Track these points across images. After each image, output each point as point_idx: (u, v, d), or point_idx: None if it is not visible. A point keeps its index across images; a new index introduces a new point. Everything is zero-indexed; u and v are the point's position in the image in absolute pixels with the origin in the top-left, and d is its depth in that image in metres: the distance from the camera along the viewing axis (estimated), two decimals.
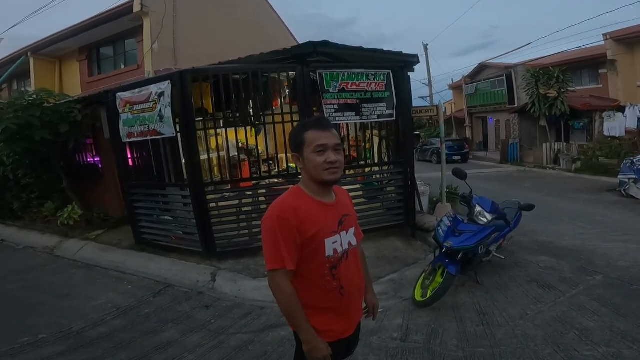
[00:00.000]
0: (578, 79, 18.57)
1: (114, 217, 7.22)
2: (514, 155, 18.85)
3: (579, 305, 3.68)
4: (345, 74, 5.13)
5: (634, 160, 9.22)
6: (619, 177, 9.53)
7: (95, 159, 7.86)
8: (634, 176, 8.88)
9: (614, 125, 14.74)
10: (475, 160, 21.18)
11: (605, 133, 15.05)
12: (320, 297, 1.68)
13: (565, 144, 16.48)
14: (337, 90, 5.10)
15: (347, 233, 1.74)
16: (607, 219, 7.15)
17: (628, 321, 3.32)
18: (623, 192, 9.20)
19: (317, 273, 1.65)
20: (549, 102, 16.08)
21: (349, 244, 1.74)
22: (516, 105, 20.52)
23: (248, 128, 6.04)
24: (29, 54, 12.47)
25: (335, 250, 1.66)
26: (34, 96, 6.99)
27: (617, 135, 14.54)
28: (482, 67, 24.73)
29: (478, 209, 4.28)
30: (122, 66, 11.52)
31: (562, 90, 15.92)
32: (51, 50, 12.40)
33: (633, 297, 3.79)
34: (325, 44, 4.81)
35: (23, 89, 12.77)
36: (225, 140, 5.60)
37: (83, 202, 7.40)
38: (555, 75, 15.79)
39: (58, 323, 3.78)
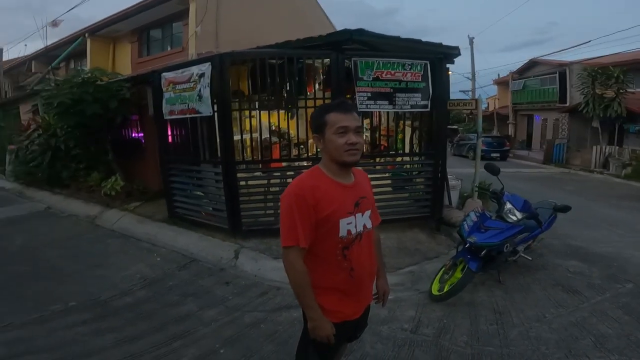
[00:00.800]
0: None
1: (152, 190, 7.58)
2: (559, 156, 17.90)
3: (601, 312, 3.55)
4: (381, 63, 5.09)
5: None
6: None
7: (139, 135, 8.28)
8: None
9: None
10: (515, 159, 20.31)
11: None
12: (331, 276, 1.72)
13: (617, 147, 15.45)
14: (371, 79, 5.08)
15: (362, 215, 1.75)
16: None
17: None
18: None
19: (329, 252, 1.69)
20: (604, 103, 15.09)
21: (364, 226, 1.76)
22: (568, 104, 19.41)
23: (282, 112, 6.15)
24: (86, 35, 13.15)
25: (349, 232, 1.69)
26: (89, 74, 7.46)
27: None
28: (532, 64, 23.51)
29: (508, 206, 4.16)
30: (169, 48, 11.95)
31: (621, 91, 14.88)
32: (106, 32, 13.01)
33: None
34: (360, 32, 4.79)
35: (79, 68, 13.58)
36: (259, 122, 5.74)
37: (125, 174, 7.85)
38: (615, 75, 14.76)
39: (89, 292, 3.97)
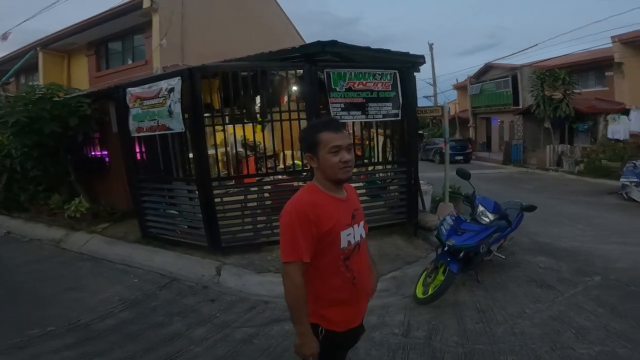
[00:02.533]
0: (584, 81, 18.53)
1: (120, 210, 7.30)
2: (517, 156, 18.86)
3: (576, 305, 3.76)
4: (352, 74, 5.20)
5: (637, 163, 9.26)
6: (621, 180, 9.56)
7: (103, 153, 7.96)
8: (636, 179, 8.91)
9: (618, 129, 14.72)
10: (477, 161, 21.20)
11: (609, 136, 15.04)
12: (336, 288, 1.75)
13: (568, 146, 16.47)
14: (344, 90, 5.18)
15: (358, 226, 1.82)
16: (608, 222, 7.22)
17: (624, 321, 3.40)
18: (624, 195, 9.25)
19: (333, 264, 1.73)
20: (553, 104, 16.08)
21: (360, 236, 1.83)
22: (521, 107, 20.50)
23: (252, 124, 6.13)
24: (38, 48, 12.58)
25: (349, 242, 1.75)
26: (45, 90, 7.10)
27: (621, 139, 14.52)
28: (487, 68, 24.69)
29: (480, 208, 4.36)
30: (130, 61, 11.62)
31: (568, 92, 15.91)
32: (60, 45, 12.50)
33: (629, 298, 3.88)
34: (333, 43, 4.88)
35: (31, 83, 12.90)
36: (233, 136, 5.69)
37: (89, 195, 7.50)
38: (561, 77, 15.77)
39: (66, 315, 3.82)
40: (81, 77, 12.52)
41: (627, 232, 6.40)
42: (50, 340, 3.38)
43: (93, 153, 8.11)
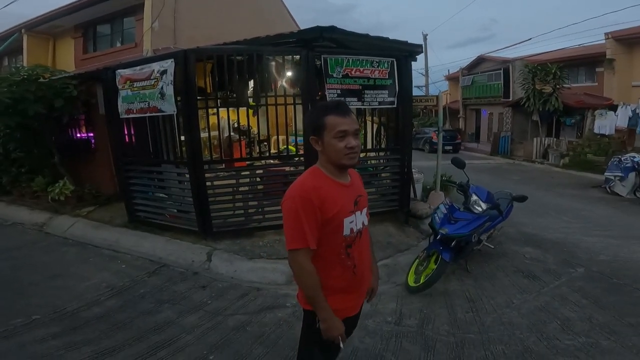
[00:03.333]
0: (574, 76, 18.71)
1: (105, 193, 7.18)
2: (505, 148, 19.05)
3: (561, 296, 3.84)
4: (350, 60, 5.14)
5: (622, 158, 9.43)
6: (605, 174, 9.74)
7: (89, 135, 7.77)
8: (620, 174, 9.09)
9: (605, 124, 14.93)
10: (466, 151, 21.36)
11: (596, 131, 15.27)
12: (336, 276, 1.73)
13: (555, 139, 16.71)
14: (340, 76, 5.12)
15: (361, 213, 1.79)
16: (591, 214, 7.37)
17: (607, 313, 3.48)
18: (608, 189, 9.45)
19: (334, 252, 1.71)
20: (543, 98, 16.24)
21: (363, 223, 1.79)
22: (511, 99, 20.66)
23: (246, 109, 6.04)
24: (23, 30, 12.23)
25: (351, 230, 1.71)
26: (30, 71, 6.88)
27: (606, 134, 14.76)
28: (480, 60, 24.74)
29: (474, 197, 4.37)
30: (118, 44, 11.32)
31: (558, 86, 16.06)
32: (46, 28, 12.18)
33: (612, 291, 3.97)
34: (332, 29, 4.78)
35: (14, 66, 12.52)
36: (225, 120, 5.61)
37: (74, 177, 7.34)
38: (552, 71, 15.90)
39: (51, 303, 3.69)
40: (67, 59, 12.17)
41: (610, 225, 6.56)
42: (36, 329, 3.27)
43: (78, 135, 7.91)
